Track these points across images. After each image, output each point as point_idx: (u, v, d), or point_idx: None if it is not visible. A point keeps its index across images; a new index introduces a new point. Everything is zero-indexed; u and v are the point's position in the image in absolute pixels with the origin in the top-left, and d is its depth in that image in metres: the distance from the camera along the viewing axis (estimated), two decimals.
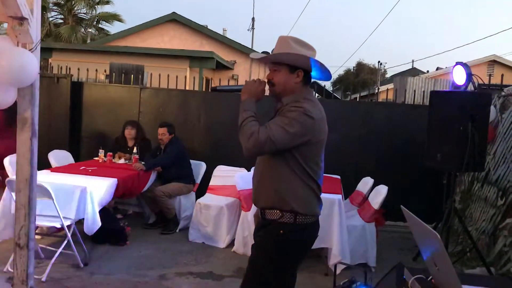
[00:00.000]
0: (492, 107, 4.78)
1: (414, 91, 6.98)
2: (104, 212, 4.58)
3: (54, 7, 21.76)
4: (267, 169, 2.38)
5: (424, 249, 1.57)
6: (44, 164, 5.43)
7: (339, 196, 4.53)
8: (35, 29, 2.79)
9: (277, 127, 2.22)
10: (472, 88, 4.93)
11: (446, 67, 20.12)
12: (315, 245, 4.07)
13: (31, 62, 2.71)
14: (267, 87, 2.44)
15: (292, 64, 2.35)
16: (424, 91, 6.96)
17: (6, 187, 4.21)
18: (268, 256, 2.36)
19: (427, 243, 1.49)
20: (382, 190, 4.77)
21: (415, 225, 1.54)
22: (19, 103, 2.83)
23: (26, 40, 2.76)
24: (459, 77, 4.69)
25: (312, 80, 2.51)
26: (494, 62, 19.88)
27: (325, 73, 2.45)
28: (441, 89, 9.53)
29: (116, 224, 5.05)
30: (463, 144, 4.24)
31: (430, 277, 1.62)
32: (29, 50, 2.77)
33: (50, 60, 12.89)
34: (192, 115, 6.79)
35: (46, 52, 12.89)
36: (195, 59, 12.82)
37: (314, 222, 2.42)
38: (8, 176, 4.52)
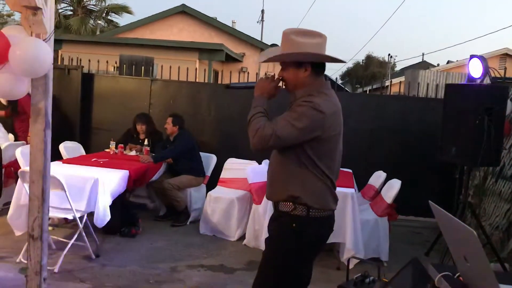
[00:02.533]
0: (508, 101, 4.70)
1: (427, 84, 6.89)
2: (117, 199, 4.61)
3: None
4: (280, 164, 2.36)
5: (454, 246, 1.53)
6: (55, 155, 5.43)
7: (352, 190, 4.49)
8: (48, 19, 2.75)
9: (284, 122, 2.19)
10: (488, 81, 4.85)
11: (457, 60, 19.91)
12: (328, 240, 4.08)
13: (45, 52, 2.68)
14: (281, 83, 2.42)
15: (295, 60, 2.32)
16: (437, 85, 6.88)
17: (19, 179, 4.22)
18: (281, 249, 2.34)
19: (459, 239, 1.44)
20: (395, 184, 4.72)
21: (446, 221, 1.48)
22: (33, 94, 2.80)
23: (40, 30, 2.72)
24: (475, 70, 4.61)
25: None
26: (506, 56, 19.62)
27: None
28: (453, 82, 9.42)
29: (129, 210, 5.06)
30: (478, 138, 4.18)
31: (457, 274, 1.58)
32: (43, 40, 2.74)
33: (60, 52, 12.90)
34: (202, 107, 6.77)
35: (56, 43, 12.65)
36: (204, 51, 12.76)
37: (329, 217, 2.38)
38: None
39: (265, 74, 2.64)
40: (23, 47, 2.61)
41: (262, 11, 25.51)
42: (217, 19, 16.30)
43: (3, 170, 5.50)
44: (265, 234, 2.51)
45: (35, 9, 2.66)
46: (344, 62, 2.55)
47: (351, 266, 4.18)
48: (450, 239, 1.53)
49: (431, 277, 1.70)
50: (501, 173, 5.21)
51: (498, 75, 5.25)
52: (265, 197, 2.68)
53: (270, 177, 2.45)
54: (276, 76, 2.41)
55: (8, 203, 4.58)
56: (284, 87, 2.43)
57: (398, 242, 5.39)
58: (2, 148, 5.47)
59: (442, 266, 1.74)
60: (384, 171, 5.35)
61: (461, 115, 4.42)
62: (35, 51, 2.63)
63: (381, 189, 5.08)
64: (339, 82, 15.81)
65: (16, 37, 2.66)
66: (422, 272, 2.36)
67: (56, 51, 12.94)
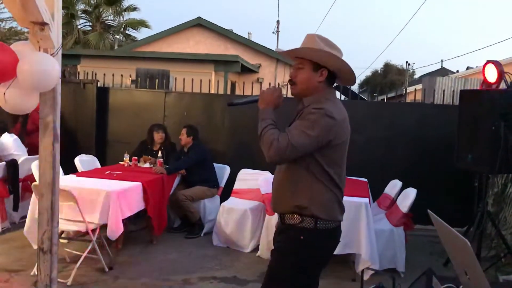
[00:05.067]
0: None
1: (443, 91, 6.78)
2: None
3: (82, 15, 22.20)
4: (287, 173, 2.31)
5: (454, 257, 1.47)
6: (71, 168, 5.50)
7: (366, 200, 4.41)
8: (56, 34, 2.80)
9: (297, 131, 2.15)
10: (505, 87, 4.74)
11: (476, 66, 19.57)
12: (342, 251, 4.02)
13: (52, 67, 2.72)
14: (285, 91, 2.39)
15: (315, 60, 2.28)
16: (454, 91, 6.77)
17: (33, 193, 4.26)
18: (288, 262, 2.29)
19: (456, 251, 1.38)
20: (410, 193, 4.63)
21: (444, 232, 1.43)
22: (41, 107, 2.84)
23: (47, 45, 2.77)
24: (491, 76, 4.52)
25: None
26: None
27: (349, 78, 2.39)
28: (471, 88, 9.26)
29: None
30: (495, 145, 4.08)
31: (461, 286, 1.52)
32: (51, 54, 2.78)
33: (78, 67, 13.13)
34: (216, 118, 6.78)
35: (75, 59, 13.14)
36: (220, 63, 12.85)
37: (336, 228, 2.33)
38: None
39: (270, 84, 2.57)
40: (30, 62, 2.65)
41: (278, 22, 25.56)
42: (233, 31, 16.42)
43: (21, 184, 5.61)
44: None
45: (43, 25, 2.71)
46: (353, 83, 2.52)
47: (367, 277, 4.12)
48: (450, 250, 1.47)
49: None
50: None
51: None
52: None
53: (276, 185, 2.40)
54: (288, 77, 2.37)
55: (26, 216, 4.63)
56: (291, 90, 2.38)
57: (417, 252, 5.27)
58: (19, 162, 5.58)
59: (446, 278, 1.67)
60: (401, 180, 5.25)
61: (477, 121, 4.33)
62: (42, 66, 2.67)
63: (397, 198, 4.99)
64: (357, 91, 15.72)
65: (24, 52, 2.70)
66: None
67: (75, 66, 13.19)
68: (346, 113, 2.30)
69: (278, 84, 2.45)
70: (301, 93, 2.33)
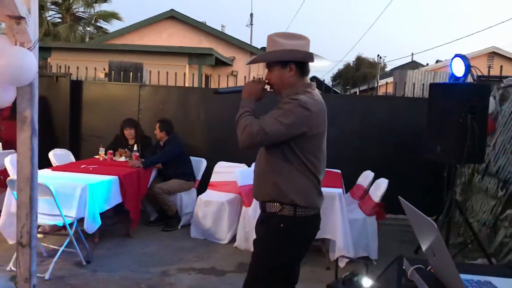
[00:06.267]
0: (491, 99, 4.77)
1: (414, 84, 6.98)
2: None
3: (52, 6, 21.71)
4: (266, 162, 2.40)
5: (423, 239, 1.58)
6: (45, 163, 5.44)
7: (340, 190, 4.54)
8: (32, 28, 2.77)
9: (270, 119, 2.24)
10: (471, 80, 4.93)
11: (445, 60, 20.06)
12: (318, 235, 4.12)
13: (29, 61, 2.70)
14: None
15: (279, 60, 2.37)
16: (423, 84, 6.96)
17: (8, 187, 4.22)
18: (269, 250, 2.38)
19: (424, 233, 1.50)
20: (382, 184, 4.77)
21: (413, 215, 1.54)
22: (19, 102, 2.82)
23: (24, 39, 2.74)
24: (458, 69, 4.69)
25: (312, 75, 2.53)
26: (494, 54, 19.81)
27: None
28: (440, 81, 9.52)
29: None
30: (462, 136, 4.24)
31: (429, 267, 1.63)
32: (28, 49, 2.76)
33: (49, 60, 12.88)
34: (191, 111, 6.80)
35: (45, 51, 12.87)
36: (194, 55, 12.81)
37: (315, 215, 2.42)
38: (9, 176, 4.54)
39: (253, 77, 2.66)
40: (7, 57, 2.62)
41: (251, 15, 25.64)
42: (206, 24, 16.36)
43: None
44: (254, 235, 2.55)
45: (19, 19, 2.68)
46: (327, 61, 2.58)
47: (341, 265, 4.25)
48: (419, 233, 1.58)
49: (405, 271, 1.76)
50: (486, 170, 5.29)
51: (485, 73, 5.32)
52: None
53: (256, 175, 2.49)
54: (261, 70, 2.47)
55: None
56: (271, 89, 2.48)
57: (389, 240, 5.44)
58: None
59: (416, 260, 1.79)
60: (373, 171, 5.39)
61: (445, 113, 4.49)
62: (19, 60, 2.64)
63: (369, 188, 5.14)
64: (331, 84, 15.93)
65: (0, 46, 2.67)
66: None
67: (45, 59, 12.93)
68: (323, 105, 2.39)
69: (262, 77, 2.53)
70: (280, 90, 2.42)
